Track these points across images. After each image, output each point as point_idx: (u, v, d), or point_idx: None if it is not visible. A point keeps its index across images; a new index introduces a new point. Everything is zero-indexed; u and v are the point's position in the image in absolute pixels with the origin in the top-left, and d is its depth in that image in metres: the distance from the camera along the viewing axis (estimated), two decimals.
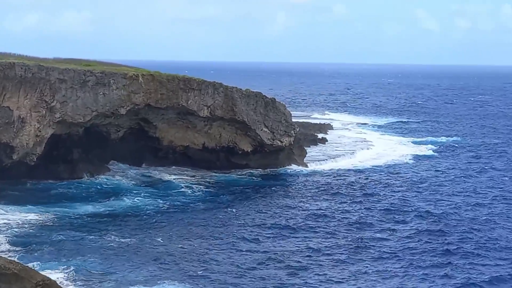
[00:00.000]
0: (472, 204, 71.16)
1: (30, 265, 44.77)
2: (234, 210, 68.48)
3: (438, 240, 56.84)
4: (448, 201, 73.21)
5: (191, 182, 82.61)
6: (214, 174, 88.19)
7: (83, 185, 78.59)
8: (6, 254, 49.39)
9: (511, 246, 54.89)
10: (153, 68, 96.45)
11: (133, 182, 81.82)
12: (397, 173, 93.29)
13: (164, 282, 45.34)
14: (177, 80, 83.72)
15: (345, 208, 69.30)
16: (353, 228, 61.31)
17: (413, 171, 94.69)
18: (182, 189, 78.72)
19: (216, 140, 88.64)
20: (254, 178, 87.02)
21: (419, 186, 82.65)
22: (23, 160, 74.20)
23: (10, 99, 70.37)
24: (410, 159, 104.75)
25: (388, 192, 78.11)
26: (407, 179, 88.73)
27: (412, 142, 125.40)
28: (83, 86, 75.59)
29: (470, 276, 47.53)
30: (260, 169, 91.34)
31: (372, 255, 52.46)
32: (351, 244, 55.60)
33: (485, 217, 64.81)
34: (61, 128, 76.28)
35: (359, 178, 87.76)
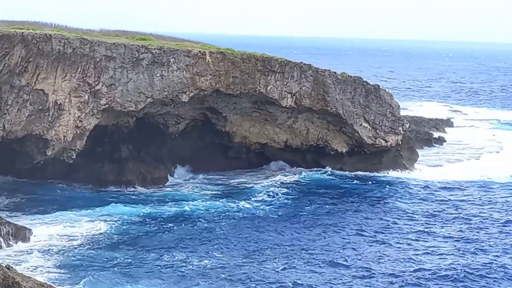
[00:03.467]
0: None
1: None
2: (321, 221, 63.98)
3: None
4: None
5: (270, 186, 77.97)
6: (300, 173, 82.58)
7: (135, 189, 76.10)
8: (38, 273, 46.53)
9: None
10: (222, 44, 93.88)
11: (196, 185, 79.30)
12: None
13: None
14: (254, 60, 78.90)
15: (468, 239, 61.53)
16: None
17: None
18: (257, 195, 74.96)
19: (303, 137, 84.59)
20: (349, 181, 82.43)
21: None
22: (60, 157, 71.49)
23: (45, 80, 68.13)
24: None
25: None
26: None
27: None
28: (136, 65, 72.60)
29: None
30: (357, 172, 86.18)
31: None
32: None
33: None
34: (107, 117, 74.88)
35: (489, 191, 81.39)
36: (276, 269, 52.86)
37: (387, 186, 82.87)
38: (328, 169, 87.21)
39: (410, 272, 52.31)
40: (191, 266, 52.40)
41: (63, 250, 55.28)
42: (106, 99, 71.03)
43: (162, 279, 49.23)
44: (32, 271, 48.62)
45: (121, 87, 71.62)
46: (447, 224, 66.71)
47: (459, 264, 54.26)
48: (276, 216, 68.79)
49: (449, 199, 77.06)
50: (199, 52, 78.06)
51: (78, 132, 70.61)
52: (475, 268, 52.52)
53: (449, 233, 63.80)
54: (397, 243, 60.39)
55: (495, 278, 51.08)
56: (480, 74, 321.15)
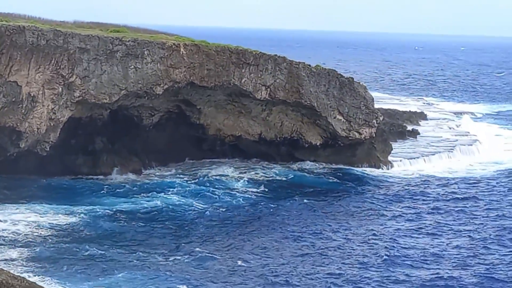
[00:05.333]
0: None
1: (38, 280, 43.74)
2: (295, 218, 65.47)
3: None
4: None
5: (243, 179, 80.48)
6: (274, 169, 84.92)
7: (109, 181, 77.64)
8: (12, 266, 48.18)
9: None
10: (196, 37, 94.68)
11: (169, 179, 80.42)
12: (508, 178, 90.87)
13: None
14: (229, 53, 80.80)
15: (439, 233, 64.26)
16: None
17: None
18: (231, 188, 77.80)
19: (277, 129, 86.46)
20: (321, 177, 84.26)
21: None
22: (33, 149, 72.99)
23: (18, 72, 68.76)
24: None
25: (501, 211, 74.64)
26: None
27: None
28: (110, 57, 74.00)
29: None
30: (331, 165, 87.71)
31: None
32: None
33: None
34: (81, 110, 76.14)
35: (463, 187, 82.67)
36: (256, 259, 53.70)
37: (361, 178, 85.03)
38: (302, 162, 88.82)
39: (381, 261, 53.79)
40: (164, 258, 53.53)
41: (34, 242, 56.14)
42: (80, 91, 71.94)
43: (134, 272, 49.67)
44: (3, 263, 49.26)
45: (95, 79, 72.82)
46: (421, 216, 68.20)
47: (431, 252, 56.15)
48: (247, 208, 69.52)
49: (423, 191, 78.58)
50: (173, 44, 79.33)
51: (52, 124, 71.73)
52: (450, 258, 54.32)
53: (424, 224, 65.26)
54: (367, 229, 62.34)
55: (469, 264, 52.81)
56: (450, 67, 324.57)
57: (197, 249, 56.97)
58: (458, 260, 55.98)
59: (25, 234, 57.93)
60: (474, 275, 52.80)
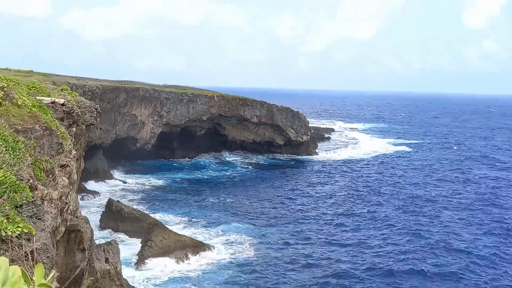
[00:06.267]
0: (432, 179, 77.23)
1: (148, 211, 51.36)
2: (272, 179, 75.02)
3: (402, 194, 62.58)
4: (419, 178, 78.19)
5: (245, 162, 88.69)
6: (260, 157, 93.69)
7: (178, 161, 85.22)
8: (134, 204, 55.65)
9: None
10: (224, 92, 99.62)
11: (209, 161, 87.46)
12: (380, 162, 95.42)
13: (233, 227, 50.67)
14: (238, 99, 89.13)
15: (347, 184, 74.48)
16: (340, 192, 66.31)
17: (392, 160, 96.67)
18: (240, 166, 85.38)
19: (261, 137, 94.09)
20: (284, 160, 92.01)
21: (396, 169, 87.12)
22: (143, 147, 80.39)
23: (135, 109, 77.21)
24: (389, 153, 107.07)
25: (376, 174, 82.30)
26: (391, 166, 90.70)
27: (388, 141, 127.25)
28: (180, 102, 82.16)
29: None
30: (288, 155, 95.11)
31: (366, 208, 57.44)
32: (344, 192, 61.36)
33: (433, 181, 70.49)
34: (166, 128, 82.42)
35: (354, 164, 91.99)
36: (254, 198, 62.89)
37: (303, 161, 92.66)
38: (274, 153, 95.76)
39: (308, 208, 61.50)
40: (206, 199, 61.77)
41: (143, 192, 64.36)
42: (165, 119, 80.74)
43: (193, 206, 58.20)
44: (133, 202, 57.47)
45: (173, 113, 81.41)
46: (336, 181, 75.58)
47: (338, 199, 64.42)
48: (247, 175, 77.78)
49: (336, 167, 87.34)
50: (211, 95, 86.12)
51: (152, 135, 79.83)
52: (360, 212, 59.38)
53: (339, 186, 73.20)
54: (308, 191, 69.32)
55: (374, 219, 55.90)
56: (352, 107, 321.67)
57: (223, 194, 64.59)
58: (344, 203, 62.91)
59: (138, 188, 65.69)
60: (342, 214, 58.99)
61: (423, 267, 40.60)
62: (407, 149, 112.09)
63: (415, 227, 51.64)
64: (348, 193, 67.02)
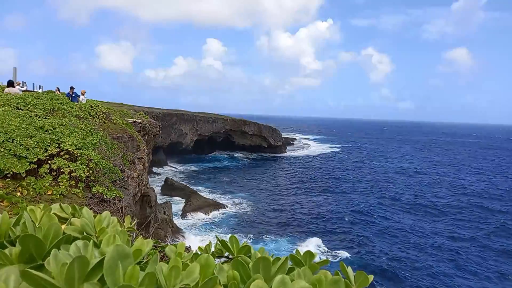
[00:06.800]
0: (355, 167, 74.67)
1: (188, 185, 49.35)
2: (261, 167, 73.08)
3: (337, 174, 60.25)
4: (343, 165, 76.09)
5: (245, 157, 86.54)
6: (254, 154, 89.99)
7: (206, 156, 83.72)
8: (180, 180, 53.95)
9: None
10: (233, 116, 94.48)
11: (223, 156, 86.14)
12: (321, 156, 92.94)
13: (237, 194, 49.46)
14: (241, 121, 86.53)
15: (304, 167, 72.70)
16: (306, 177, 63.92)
17: (328, 155, 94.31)
18: (242, 159, 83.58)
19: (254, 142, 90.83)
20: (268, 156, 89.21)
21: (330, 160, 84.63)
22: (186, 148, 78.92)
23: (182, 126, 76.04)
24: (326, 151, 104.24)
25: (319, 161, 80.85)
26: (327, 158, 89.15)
27: (327, 145, 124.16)
28: (207, 122, 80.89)
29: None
30: (270, 153, 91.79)
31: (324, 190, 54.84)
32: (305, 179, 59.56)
33: (355, 168, 67.98)
34: (199, 137, 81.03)
35: (307, 157, 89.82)
36: (251, 180, 60.03)
37: (279, 157, 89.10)
38: (262, 153, 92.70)
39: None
40: (218, 182, 58.72)
41: (183, 175, 61.29)
42: (199, 131, 79.18)
43: (211, 185, 55.70)
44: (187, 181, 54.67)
45: (203, 128, 79.52)
46: (303, 169, 72.48)
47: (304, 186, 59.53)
48: (247, 165, 75.57)
49: (300, 161, 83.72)
50: (225, 118, 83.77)
51: (191, 141, 78.17)
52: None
53: (300, 170, 70.70)
54: (286, 181, 65.84)
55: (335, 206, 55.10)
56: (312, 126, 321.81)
57: (232, 175, 62.13)
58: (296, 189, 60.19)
59: (182, 171, 63.81)
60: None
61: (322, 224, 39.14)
62: (337, 150, 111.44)
63: (338, 190, 51.12)
64: (305, 174, 66.27)
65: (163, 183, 48.57)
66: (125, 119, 21.52)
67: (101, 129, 13.83)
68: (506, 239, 34.27)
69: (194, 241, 28.81)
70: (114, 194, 6.98)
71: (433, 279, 26.18)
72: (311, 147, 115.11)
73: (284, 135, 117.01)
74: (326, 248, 30.83)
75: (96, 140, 9.50)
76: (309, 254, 1.62)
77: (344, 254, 29.74)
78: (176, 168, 67.73)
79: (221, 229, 34.17)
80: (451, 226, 37.94)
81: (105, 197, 6.82)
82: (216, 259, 1.69)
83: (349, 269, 1.56)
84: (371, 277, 1.57)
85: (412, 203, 45.45)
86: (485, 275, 27.02)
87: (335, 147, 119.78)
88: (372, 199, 46.69)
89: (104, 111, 16.68)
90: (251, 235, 32.97)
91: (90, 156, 7.38)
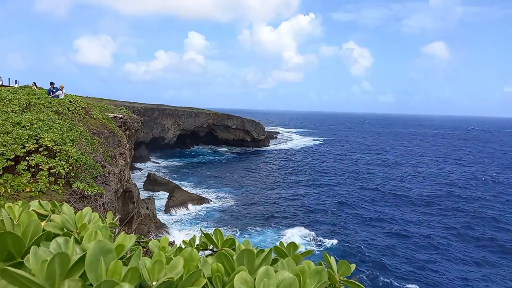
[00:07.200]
0: (338, 159, 74.95)
1: (171, 180, 48.84)
2: (244, 161, 72.62)
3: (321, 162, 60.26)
4: (325, 157, 76.29)
5: (228, 151, 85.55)
6: (237, 148, 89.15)
7: (189, 151, 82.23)
8: (163, 175, 53.08)
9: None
10: (216, 110, 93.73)
11: (206, 150, 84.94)
12: (304, 149, 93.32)
13: (221, 188, 49.38)
14: (224, 115, 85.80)
15: (287, 160, 72.59)
16: (293, 165, 63.88)
17: (311, 148, 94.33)
18: (226, 153, 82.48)
19: (238, 136, 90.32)
20: (251, 150, 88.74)
21: (313, 152, 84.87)
22: (169, 143, 77.71)
23: (164, 121, 75.17)
24: (309, 144, 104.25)
25: (302, 154, 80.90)
26: (310, 150, 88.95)
27: (310, 138, 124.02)
28: (190, 116, 79.76)
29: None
30: (254, 147, 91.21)
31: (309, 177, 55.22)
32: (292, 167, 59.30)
33: (336, 157, 68.37)
34: (182, 131, 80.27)
35: (291, 150, 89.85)
36: (232, 173, 59.28)
37: (263, 151, 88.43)
38: (245, 147, 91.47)
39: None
40: (201, 175, 57.50)
41: (165, 170, 59.83)
42: (182, 125, 77.99)
43: (195, 178, 55.39)
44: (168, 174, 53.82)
45: (186, 122, 78.62)
46: (286, 162, 72.16)
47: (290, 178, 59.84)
48: (230, 158, 74.17)
49: (283, 154, 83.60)
50: (208, 112, 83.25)
51: (174, 135, 77.20)
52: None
53: (283, 162, 71.09)
54: (269, 171, 65.42)
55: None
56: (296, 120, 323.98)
57: (215, 169, 61.66)
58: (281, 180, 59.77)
59: (165, 166, 62.51)
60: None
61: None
62: (319, 142, 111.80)
63: (321, 182, 51.27)
64: (289, 167, 66.31)
65: (145, 178, 47.70)
66: (106, 114, 21.14)
67: (81, 124, 13.54)
68: (483, 226, 35.58)
69: (178, 236, 28.73)
70: (95, 190, 6.85)
71: (414, 266, 26.92)
72: (294, 140, 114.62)
73: (267, 129, 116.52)
74: (310, 238, 31.29)
75: (75, 135, 9.30)
76: (293, 245, 1.65)
77: (328, 243, 30.23)
78: (158, 163, 66.55)
79: (206, 223, 33.99)
80: (430, 215, 38.77)
81: (86, 193, 6.69)
82: (200, 252, 1.68)
83: (332, 259, 1.61)
84: (353, 266, 1.62)
85: (392, 193, 46.24)
86: (464, 261, 28.13)
87: (317, 139, 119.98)
88: (354, 190, 47.39)
89: (83, 106, 16.31)
90: (237, 229, 33.04)
91: (70, 152, 7.19)
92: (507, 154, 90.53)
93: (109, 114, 21.87)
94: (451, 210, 40.27)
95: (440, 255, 28.89)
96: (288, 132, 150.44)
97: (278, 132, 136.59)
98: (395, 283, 24.11)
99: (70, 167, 7.19)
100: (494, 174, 61.04)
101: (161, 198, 41.58)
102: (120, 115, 23.43)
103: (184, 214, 37.12)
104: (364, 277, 24.42)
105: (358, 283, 1.56)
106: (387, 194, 46.15)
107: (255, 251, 1.36)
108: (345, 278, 1.52)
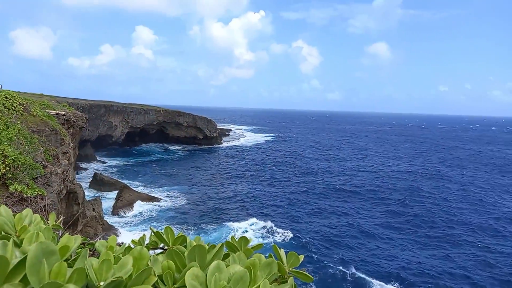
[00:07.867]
0: (288, 155, 75.34)
1: (119, 179, 47.95)
2: (196, 159, 71.36)
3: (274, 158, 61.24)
4: (276, 153, 76.92)
5: (180, 149, 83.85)
6: (189, 146, 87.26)
7: (139, 149, 79.77)
8: (110, 175, 51.55)
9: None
10: (166, 107, 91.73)
11: (157, 149, 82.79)
12: (256, 145, 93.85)
13: (173, 187, 48.02)
14: (175, 112, 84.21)
15: (240, 157, 72.67)
16: (247, 162, 64.12)
17: (262, 145, 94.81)
18: (177, 151, 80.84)
19: (189, 134, 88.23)
20: (204, 147, 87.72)
21: (264, 149, 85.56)
22: (117, 140, 75.53)
23: (111, 118, 72.91)
24: (260, 141, 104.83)
25: (254, 151, 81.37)
26: (262, 147, 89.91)
27: (261, 135, 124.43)
28: (139, 113, 77.88)
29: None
30: (206, 145, 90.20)
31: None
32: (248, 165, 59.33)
33: (292, 153, 69.28)
34: (131, 129, 78.12)
35: (243, 147, 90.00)
36: (190, 169, 58.07)
37: (215, 148, 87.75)
38: (197, 145, 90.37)
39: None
40: (157, 174, 56.38)
41: (114, 169, 57.95)
42: (130, 123, 76.14)
43: (153, 176, 54.71)
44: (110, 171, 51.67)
45: (135, 120, 76.49)
46: (239, 159, 72.73)
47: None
48: (182, 157, 72.88)
49: (236, 151, 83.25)
50: (158, 110, 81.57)
51: (122, 133, 75.02)
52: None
53: (236, 159, 70.78)
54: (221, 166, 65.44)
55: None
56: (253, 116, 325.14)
57: (166, 168, 60.10)
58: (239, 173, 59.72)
59: (113, 165, 60.23)
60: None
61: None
62: (270, 139, 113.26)
63: (272, 177, 51.90)
64: (241, 163, 66.53)
65: (91, 178, 45.81)
66: (47, 111, 19.84)
67: (19, 122, 12.59)
68: (424, 216, 38.16)
69: (128, 237, 27.90)
70: (36, 192, 6.42)
71: (361, 254, 28.16)
72: (246, 137, 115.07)
73: (219, 126, 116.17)
74: (263, 232, 31.99)
75: (13, 134, 8.63)
76: (244, 240, 1.68)
77: (280, 236, 31.03)
78: (106, 162, 64.20)
79: (158, 223, 33.19)
80: (375, 205, 41.18)
81: (25, 195, 6.23)
82: (150, 251, 1.65)
83: (282, 251, 1.66)
84: (301, 257, 1.69)
85: (340, 187, 48.28)
86: (405, 247, 30.06)
87: (268, 136, 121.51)
88: (304, 184, 48.79)
89: (21, 103, 15.18)
90: (191, 227, 32.78)
91: (6, 151, 6.66)
92: (445, 148, 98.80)
93: (50, 111, 20.55)
94: (395, 201, 42.82)
95: (386, 243, 30.75)
96: (240, 129, 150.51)
97: (230, 130, 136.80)
98: (344, 271, 25.23)
99: (7, 168, 6.65)
100: (432, 167, 65.60)
101: (108, 199, 40.18)
102: (63, 112, 22.10)
103: (134, 215, 35.99)
104: (313, 268, 25.38)
105: (306, 273, 1.63)
106: (337, 187, 48.01)
107: (207, 247, 1.37)
108: (294, 269, 1.55)
